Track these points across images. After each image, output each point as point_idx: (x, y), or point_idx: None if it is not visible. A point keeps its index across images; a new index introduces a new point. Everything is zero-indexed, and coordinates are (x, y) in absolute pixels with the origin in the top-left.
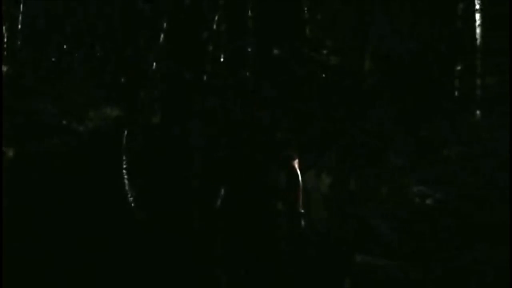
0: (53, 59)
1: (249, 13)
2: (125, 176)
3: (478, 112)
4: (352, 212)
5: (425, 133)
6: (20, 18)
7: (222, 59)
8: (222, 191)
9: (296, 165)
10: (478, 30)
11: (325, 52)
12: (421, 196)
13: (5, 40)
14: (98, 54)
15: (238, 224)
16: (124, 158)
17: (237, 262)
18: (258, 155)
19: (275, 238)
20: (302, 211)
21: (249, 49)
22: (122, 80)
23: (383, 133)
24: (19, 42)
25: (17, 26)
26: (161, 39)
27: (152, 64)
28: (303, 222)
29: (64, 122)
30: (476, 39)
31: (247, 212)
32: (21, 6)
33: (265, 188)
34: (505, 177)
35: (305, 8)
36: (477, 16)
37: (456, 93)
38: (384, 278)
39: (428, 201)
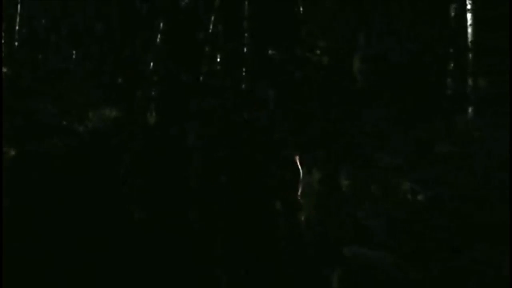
0: (51, 60)
1: (245, 13)
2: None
3: (474, 112)
4: (347, 212)
5: (421, 133)
6: (18, 19)
7: (218, 60)
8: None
9: (298, 161)
10: (469, 30)
11: (319, 52)
12: (413, 193)
13: (3, 41)
14: (96, 54)
15: (237, 224)
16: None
17: (237, 262)
18: (257, 155)
19: (274, 237)
20: (301, 200)
21: (245, 50)
22: (120, 80)
23: (382, 133)
24: (16, 43)
25: (15, 27)
26: (158, 39)
27: (150, 65)
28: (302, 217)
29: (64, 122)
30: (468, 39)
31: (246, 212)
32: (19, 7)
33: (264, 187)
34: (504, 177)
35: (301, 9)
36: (469, 16)
37: (453, 93)
38: (383, 278)
39: (420, 198)
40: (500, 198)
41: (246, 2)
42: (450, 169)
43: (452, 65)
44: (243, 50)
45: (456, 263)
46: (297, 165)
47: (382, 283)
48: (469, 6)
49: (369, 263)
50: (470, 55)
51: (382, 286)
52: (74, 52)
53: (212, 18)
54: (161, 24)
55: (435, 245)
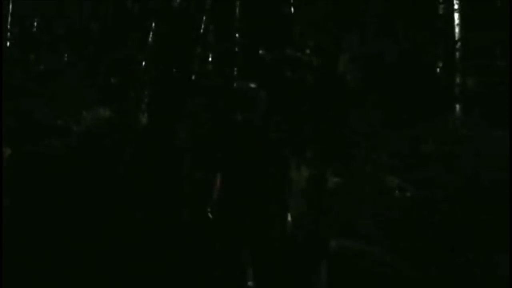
0: (47, 60)
1: (237, 14)
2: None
3: (471, 112)
4: (344, 211)
5: (418, 133)
6: (10, 18)
7: (210, 59)
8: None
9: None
10: (456, 30)
11: (310, 52)
12: (409, 193)
13: None
14: (90, 54)
15: (235, 224)
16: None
17: (236, 262)
18: (252, 155)
19: (272, 238)
20: (295, 200)
21: (236, 49)
22: (114, 80)
23: (377, 133)
24: (8, 44)
25: (7, 26)
26: (150, 39)
27: (142, 65)
28: (289, 218)
29: (58, 122)
30: (459, 39)
31: (242, 212)
32: (10, 6)
33: (262, 187)
34: (502, 177)
35: (292, 9)
36: (456, 16)
37: (448, 93)
38: (382, 278)
39: (416, 197)
40: (499, 198)
41: (238, 3)
42: (447, 169)
43: (441, 64)
44: (235, 50)
45: (454, 263)
46: (289, 165)
47: (381, 282)
48: (456, 6)
49: (368, 263)
50: (458, 55)
51: (381, 285)
52: (67, 52)
53: (204, 18)
54: (153, 24)
55: (432, 245)
